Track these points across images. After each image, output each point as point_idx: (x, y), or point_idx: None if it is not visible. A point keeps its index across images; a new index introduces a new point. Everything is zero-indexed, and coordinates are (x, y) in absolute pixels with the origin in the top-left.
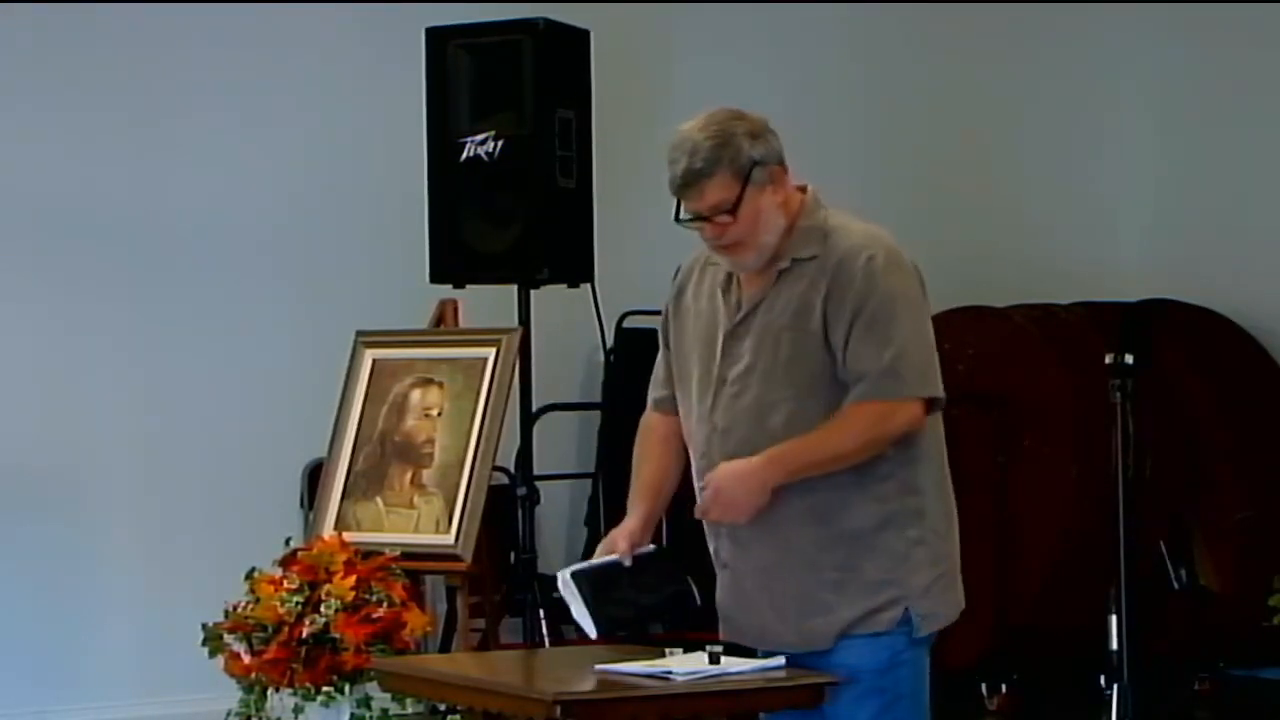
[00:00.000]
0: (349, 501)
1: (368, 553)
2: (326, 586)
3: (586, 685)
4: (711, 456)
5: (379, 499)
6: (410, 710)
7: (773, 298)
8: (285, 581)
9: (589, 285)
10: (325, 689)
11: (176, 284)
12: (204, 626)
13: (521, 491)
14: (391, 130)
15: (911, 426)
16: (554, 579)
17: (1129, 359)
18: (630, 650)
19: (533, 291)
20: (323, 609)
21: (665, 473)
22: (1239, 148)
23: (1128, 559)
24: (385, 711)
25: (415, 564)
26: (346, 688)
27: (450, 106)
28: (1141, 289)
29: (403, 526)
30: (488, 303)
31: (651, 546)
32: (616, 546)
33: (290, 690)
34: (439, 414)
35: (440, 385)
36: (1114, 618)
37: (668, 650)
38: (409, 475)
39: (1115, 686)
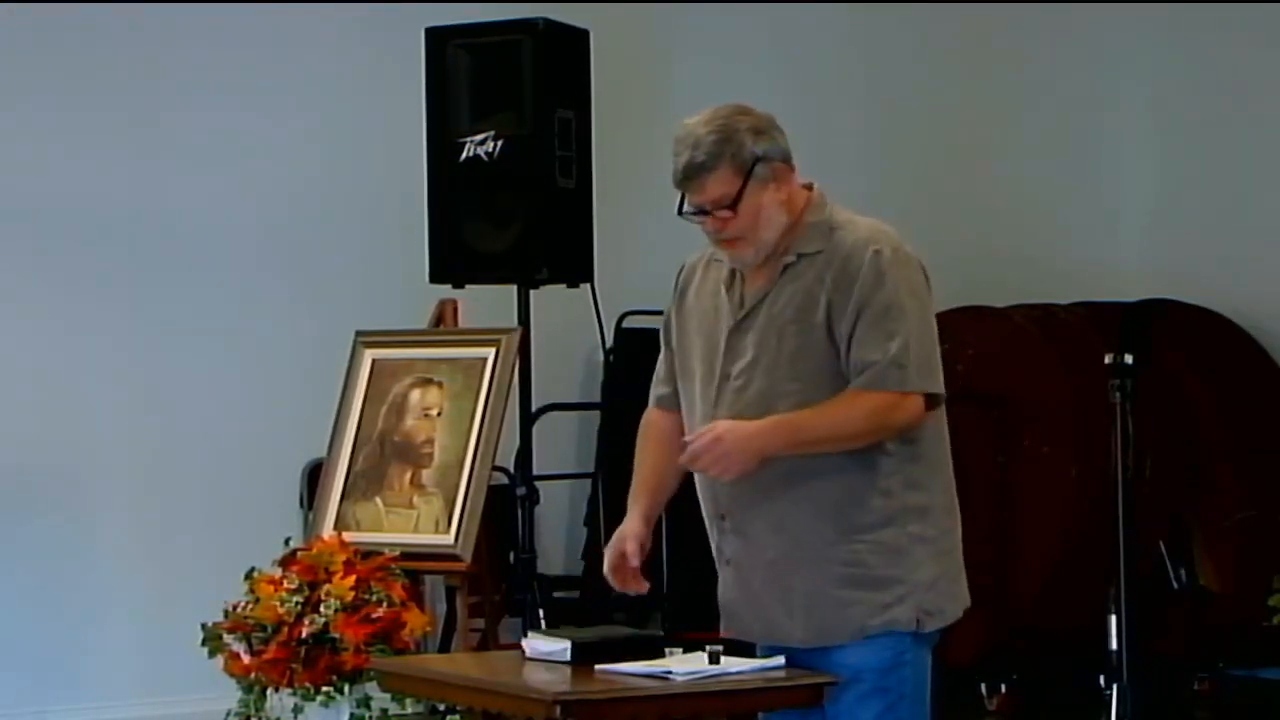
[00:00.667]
0: (349, 501)
1: (367, 553)
2: (326, 586)
3: (586, 685)
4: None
5: (378, 499)
6: (410, 710)
7: (776, 293)
8: (285, 581)
9: (589, 285)
10: (325, 689)
11: (176, 284)
12: (204, 626)
13: (521, 491)
14: (391, 130)
15: (912, 421)
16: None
17: (1129, 359)
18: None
19: (532, 291)
20: (322, 609)
21: (666, 469)
22: (1239, 148)
23: (1128, 559)
24: (385, 711)
25: (415, 564)
26: (346, 688)
27: (450, 106)
28: (1141, 289)
29: (402, 526)
30: (487, 303)
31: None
32: (627, 550)
33: (290, 690)
34: (439, 414)
35: (440, 385)
36: (1114, 618)
37: (668, 650)
38: (408, 475)
39: (1115, 686)
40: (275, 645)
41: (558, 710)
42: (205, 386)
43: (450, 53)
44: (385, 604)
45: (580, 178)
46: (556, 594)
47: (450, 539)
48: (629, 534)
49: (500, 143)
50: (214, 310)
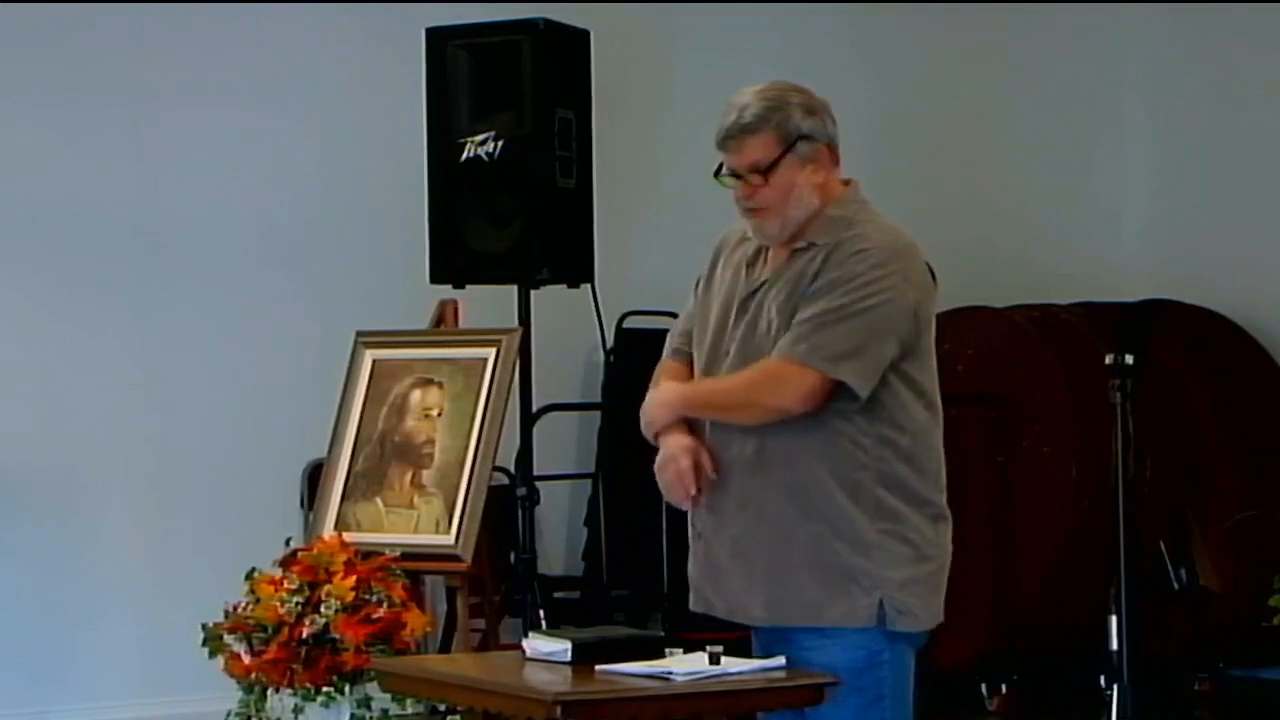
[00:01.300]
0: (349, 502)
1: (368, 553)
2: (326, 587)
3: (587, 685)
4: (702, 423)
5: (379, 499)
6: (410, 710)
7: (780, 276)
8: (285, 582)
9: (589, 285)
10: (325, 689)
11: (176, 284)
12: (204, 627)
13: (521, 492)
14: (391, 130)
15: (797, 395)
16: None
17: (1129, 359)
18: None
19: (533, 292)
20: (323, 609)
21: None
22: (1238, 148)
23: (1128, 559)
24: (385, 712)
25: (415, 564)
26: (346, 688)
27: (450, 106)
28: (1141, 289)
29: (402, 527)
30: (488, 303)
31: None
32: (705, 467)
33: (290, 691)
34: (439, 414)
35: (440, 386)
36: (1114, 618)
37: (668, 650)
38: (409, 476)
39: (1115, 686)
40: (276, 645)
41: (558, 710)
42: (205, 386)
43: (450, 53)
44: (386, 604)
45: (580, 178)
46: (557, 594)
47: (450, 539)
48: (682, 446)
49: (500, 143)
50: (214, 310)
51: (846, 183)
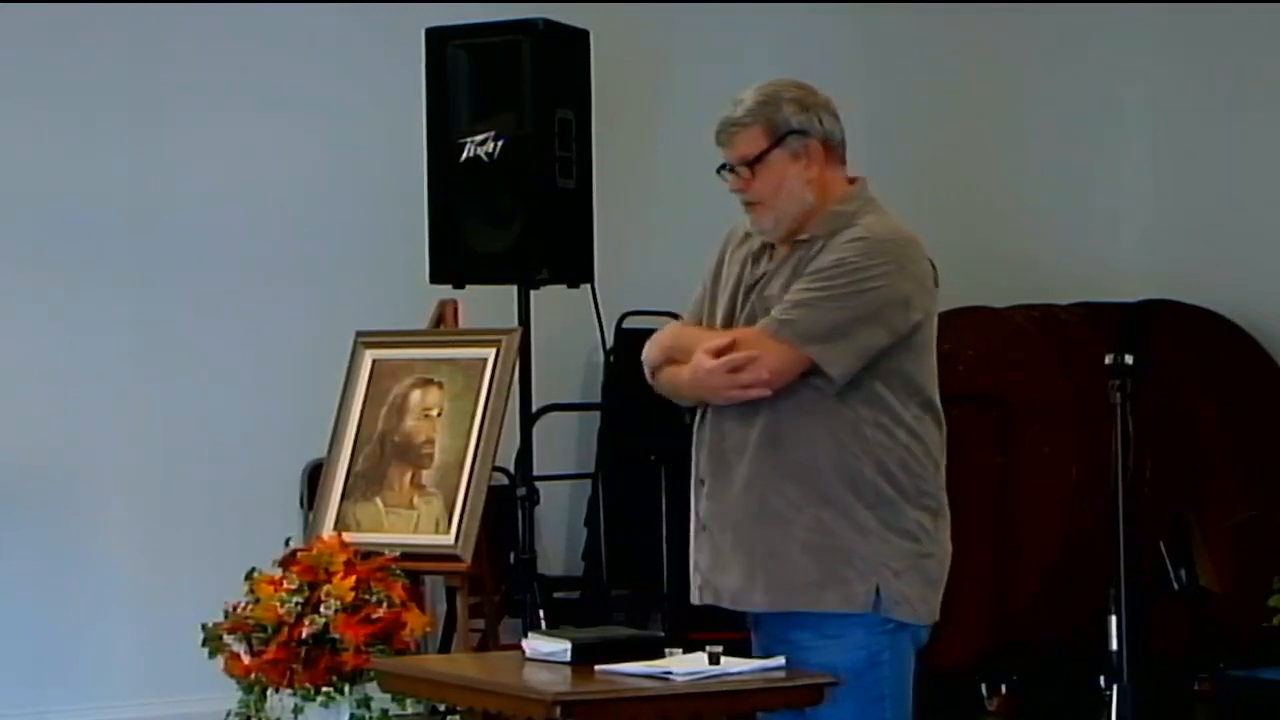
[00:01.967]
0: (349, 502)
1: (367, 553)
2: (326, 587)
3: (586, 686)
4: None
5: (379, 499)
6: (410, 710)
7: (780, 269)
8: (285, 582)
9: (589, 285)
10: (325, 689)
11: (176, 284)
12: (204, 627)
13: (521, 492)
14: (391, 130)
15: (769, 372)
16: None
17: (1129, 359)
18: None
19: (533, 292)
20: (322, 609)
21: None
22: (1238, 148)
23: (1128, 559)
24: (385, 712)
25: (415, 564)
26: (346, 688)
27: (450, 106)
28: (1141, 289)
29: (402, 527)
30: (488, 303)
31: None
32: None
33: (290, 691)
34: (439, 414)
35: (440, 386)
36: (1114, 618)
37: (668, 651)
38: (409, 476)
39: (1115, 686)
40: (275, 646)
41: (558, 710)
42: (205, 386)
43: (450, 53)
44: (385, 604)
45: (580, 178)
46: (556, 594)
47: (450, 539)
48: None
49: (500, 143)
50: (214, 310)
51: (853, 180)
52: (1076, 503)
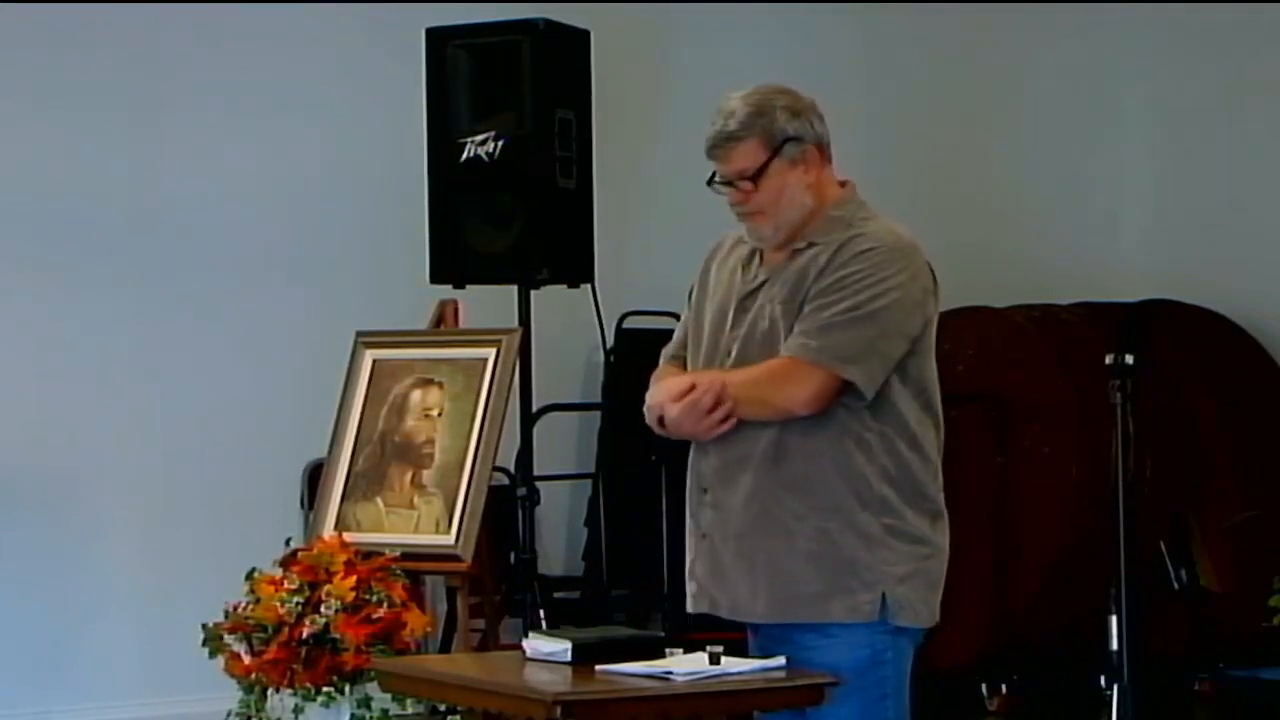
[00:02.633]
0: (349, 502)
1: (368, 553)
2: (326, 587)
3: (587, 686)
4: None
5: (379, 499)
6: (410, 710)
7: (780, 275)
8: (285, 582)
9: (589, 285)
10: (325, 689)
11: (176, 284)
12: (204, 627)
13: (521, 492)
14: (392, 130)
15: (806, 394)
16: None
17: (1129, 359)
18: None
19: (533, 292)
20: (323, 609)
21: None
22: (1239, 148)
23: (1128, 559)
24: (385, 712)
25: (415, 564)
26: (346, 688)
27: (450, 107)
28: (1141, 289)
29: (403, 527)
30: (488, 303)
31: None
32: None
33: (290, 691)
34: (439, 414)
35: (440, 386)
36: (1114, 618)
37: (668, 651)
38: (409, 476)
39: (1115, 686)
40: (276, 646)
41: (558, 710)
42: (205, 386)
43: (450, 53)
44: (386, 604)
45: (580, 178)
46: (557, 594)
47: (451, 539)
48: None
49: (500, 143)
50: (214, 310)
51: (843, 184)
52: (1076, 503)
